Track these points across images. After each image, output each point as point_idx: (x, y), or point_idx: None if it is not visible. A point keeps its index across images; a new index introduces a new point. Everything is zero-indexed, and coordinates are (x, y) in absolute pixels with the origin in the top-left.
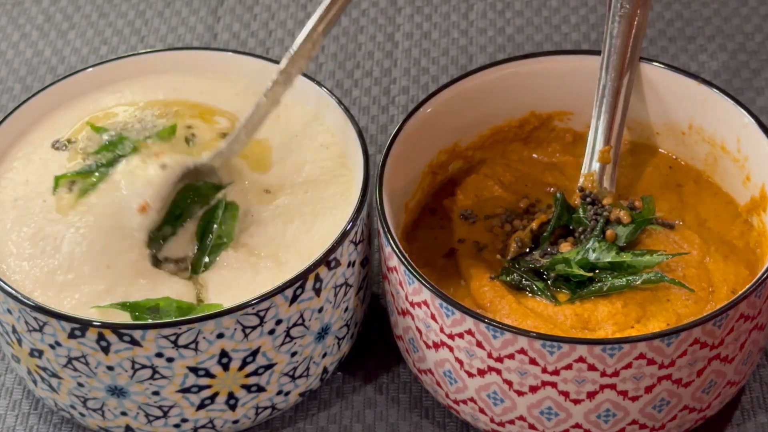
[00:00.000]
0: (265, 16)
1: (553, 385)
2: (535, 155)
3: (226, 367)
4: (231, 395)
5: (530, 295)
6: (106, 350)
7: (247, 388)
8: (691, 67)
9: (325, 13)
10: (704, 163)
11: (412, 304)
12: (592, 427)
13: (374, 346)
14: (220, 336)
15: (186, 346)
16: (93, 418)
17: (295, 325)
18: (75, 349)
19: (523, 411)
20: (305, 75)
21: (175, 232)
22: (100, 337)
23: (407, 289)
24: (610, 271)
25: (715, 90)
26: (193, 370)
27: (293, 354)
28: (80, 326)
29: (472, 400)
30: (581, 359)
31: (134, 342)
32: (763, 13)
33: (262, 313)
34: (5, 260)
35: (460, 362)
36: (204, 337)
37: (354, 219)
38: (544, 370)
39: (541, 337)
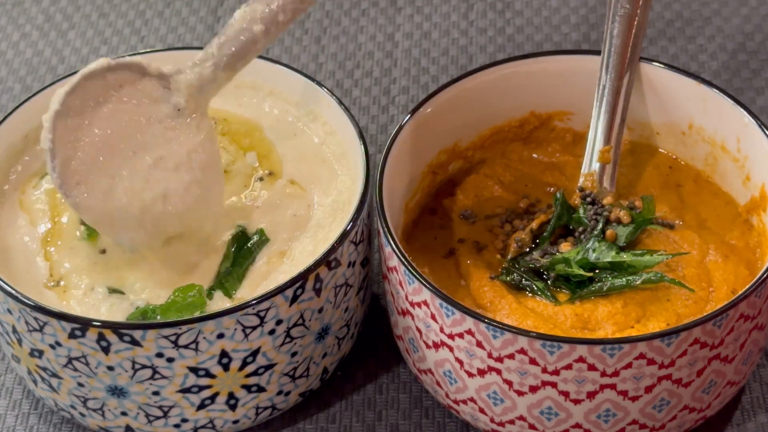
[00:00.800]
0: None
1: (553, 385)
2: (535, 155)
3: (226, 367)
4: (231, 395)
5: (530, 295)
6: (106, 350)
7: (248, 388)
8: (691, 67)
9: None
10: (704, 163)
11: (412, 304)
12: (592, 427)
13: (374, 346)
14: (221, 336)
15: (186, 346)
16: (93, 418)
17: (295, 325)
18: (75, 349)
19: (523, 411)
20: (305, 75)
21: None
22: (101, 337)
23: (407, 289)
24: (610, 271)
25: (715, 90)
26: (194, 370)
27: (293, 354)
28: (80, 326)
29: (472, 400)
30: (581, 359)
31: (134, 342)
32: (763, 13)
33: (262, 313)
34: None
35: (460, 362)
36: (204, 338)
37: (354, 219)
38: (544, 370)
39: (541, 337)
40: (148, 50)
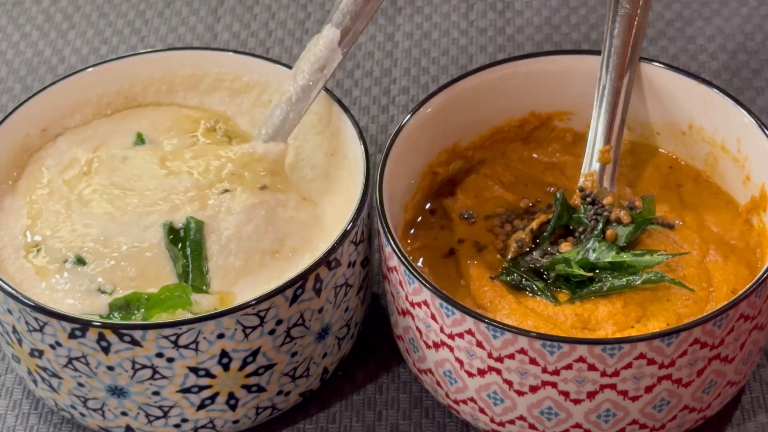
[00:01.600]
0: (265, 16)
1: (553, 385)
2: (535, 155)
3: (226, 368)
4: (231, 395)
5: (530, 295)
6: (106, 350)
7: (248, 388)
8: (691, 67)
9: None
10: (704, 163)
11: (412, 304)
12: (592, 427)
13: (374, 346)
14: (221, 336)
15: (186, 347)
16: (93, 418)
17: (295, 325)
18: (75, 349)
19: (523, 411)
20: None
21: None
22: (101, 338)
23: (407, 289)
24: (610, 271)
25: (715, 90)
26: (194, 370)
27: (293, 354)
28: (80, 326)
29: (472, 400)
30: (581, 359)
31: (134, 342)
32: (763, 13)
33: (262, 314)
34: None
35: (460, 362)
36: (204, 338)
37: (354, 219)
38: (544, 370)
39: (541, 337)
40: (148, 50)
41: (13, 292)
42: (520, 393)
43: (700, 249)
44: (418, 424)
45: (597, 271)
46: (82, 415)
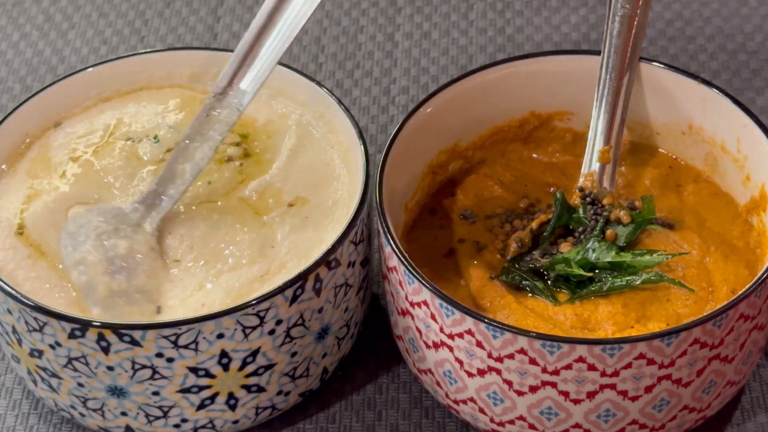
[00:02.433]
0: None
1: (553, 385)
2: (535, 155)
3: (226, 368)
4: (231, 395)
5: (530, 295)
6: (106, 350)
7: (247, 388)
8: (691, 67)
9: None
10: (704, 163)
11: (412, 304)
12: (592, 427)
13: (374, 346)
14: (220, 336)
15: (186, 347)
16: (93, 418)
17: (295, 325)
18: (75, 349)
19: (523, 411)
20: (305, 75)
21: None
22: (100, 338)
23: (407, 289)
24: (610, 271)
25: (715, 90)
26: (193, 370)
27: (293, 354)
28: (80, 326)
29: (472, 400)
30: (581, 359)
31: (134, 342)
32: (763, 13)
33: (262, 314)
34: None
35: (460, 362)
36: (204, 338)
37: (354, 219)
38: (544, 370)
39: (541, 337)
40: (148, 50)
41: (13, 292)
42: (519, 393)
43: (700, 249)
44: (418, 424)
45: (597, 271)
46: (82, 415)
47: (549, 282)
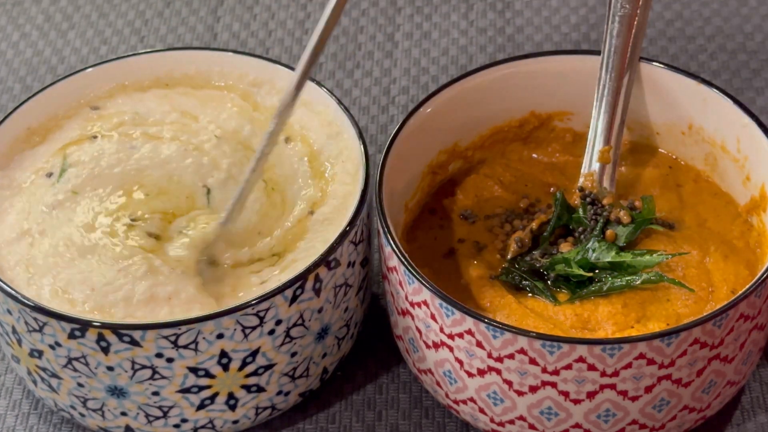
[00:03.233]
0: (265, 16)
1: (553, 385)
2: (535, 155)
3: (226, 368)
4: (231, 395)
5: (530, 295)
6: (106, 350)
7: (247, 388)
8: (691, 67)
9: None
10: (704, 163)
11: (412, 304)
12: (592, 427)
13: (374, 346)
14: (220, 336)
15: (186, 347)
16: (93, 418)
17: (295, 325)
18: (75, 349)
19: (523, 411)
20: None
21: None
22: (100, 338)
23: (407, 289)
24: (610, 271)
25: (715, 90)
26: (193, 370)
27: (293, 354)
28: (80, 327)
29: (472, 400)
30: (581, 359)
31: (134, 342)
32: (763, 13)
33: (261, 314)
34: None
35: (460, 362)
36: (204, 338)
37: (354, 219)
38: (544, 370)
39: (541, 337)
40: (148, 50)
41: (13, 292)
42: (519, 393)
43: (700, 249)
44: (417, 424)
45: (597, 271)
46: (82, 415)
47: (549, 282)
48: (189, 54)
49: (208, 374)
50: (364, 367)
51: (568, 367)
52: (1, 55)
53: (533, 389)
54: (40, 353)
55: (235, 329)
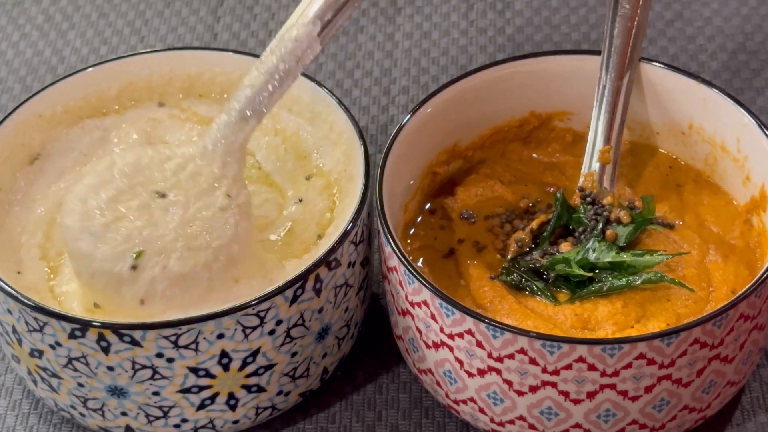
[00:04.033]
0: (265, 16)
1: (553, 385)
2: (535, 155)
3: (226, 368)
4: (231, 395)
5: (530, 295)
6: (106, 350)
7: (248, 388)
8: (691, 67)
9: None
10: (704, 163)
11: (412, 304)
12: (592, 427)
13: (374, 346)
14: (221, 336)
15: (186, 347)
16: (93, 418)
17: (295, 325)
18: (75, 349)
19: (523, 411)
20: (305, 75)
21: None
22: (101, 338)
23: (407, 289)
24: (610, 271)
25: (715, 90)
26: (194, 370)
27: (293, 354)
28: (80, 326)
29: (472, 400)
30: (581, 359)
31: (134, 342)
32: (763, 13)
33: (262, 314)
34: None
35: (460, 362)
36: (204, 338)
37: (354, 219)
38: (544, 370)
39: (541, 337)
40: (148, 50)
41: (13, 292)
42: (520, 393)
43: (700, 249)
44: (418, 424)
45: (597, 271)
46: (82, 415)
47: (549, 282)
48: (189, 54)
49: (209, 374)
50: (364, 367)
51: (568, 367)
52: (1, 55)
53: (533, 389)
54: (41, 353)
55: (235, 329)
